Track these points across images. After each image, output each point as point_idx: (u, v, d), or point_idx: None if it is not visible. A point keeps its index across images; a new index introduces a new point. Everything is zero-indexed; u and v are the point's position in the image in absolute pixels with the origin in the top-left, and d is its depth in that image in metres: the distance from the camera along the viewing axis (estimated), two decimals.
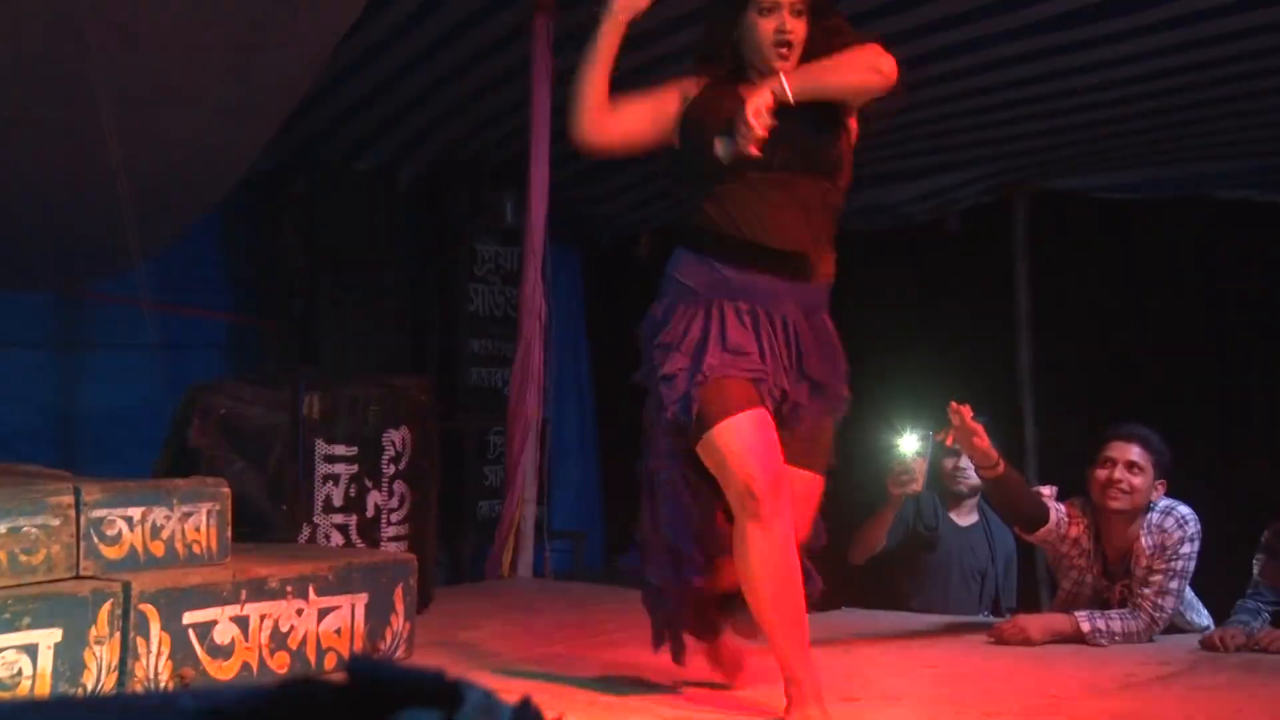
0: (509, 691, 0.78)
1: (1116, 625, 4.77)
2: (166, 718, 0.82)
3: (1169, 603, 4.82)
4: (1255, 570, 5.04)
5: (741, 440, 3.43)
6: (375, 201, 7.86)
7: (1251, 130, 7.36)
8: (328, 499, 4.94)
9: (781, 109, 3.46)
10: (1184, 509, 4.87)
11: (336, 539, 4.96)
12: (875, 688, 4.06)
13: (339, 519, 4.98)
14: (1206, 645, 4.75)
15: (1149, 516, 4.84)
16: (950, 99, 7.26)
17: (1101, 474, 4.85)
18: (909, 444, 5.45)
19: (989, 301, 8.15)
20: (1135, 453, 4.83)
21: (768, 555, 3.43)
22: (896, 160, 8.07)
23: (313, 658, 4.02)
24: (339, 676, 0.76)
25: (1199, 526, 4.86)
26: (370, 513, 5.14)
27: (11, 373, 6.84)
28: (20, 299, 6.80)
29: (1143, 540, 4.82)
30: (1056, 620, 4.87)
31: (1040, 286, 8.18)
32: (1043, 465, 7.55)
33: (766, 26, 3.55)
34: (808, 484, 3.67)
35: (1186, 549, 4.81)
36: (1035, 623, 4.84)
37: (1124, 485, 4.82)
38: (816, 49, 3.58)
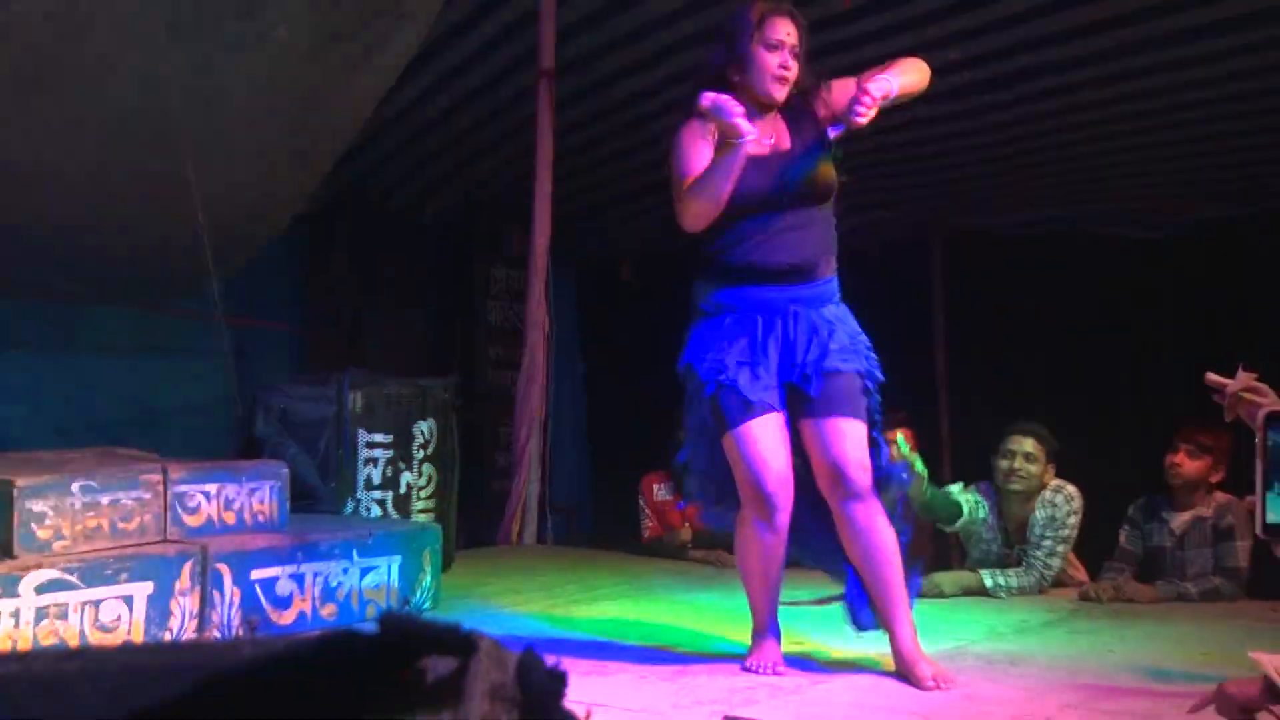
0: (516, 640, 0.77)
1: (1014, 581, 4.81)
2: (231, 661, 0.80)
3: (1055, 563, 4.91)
4: (1121, 538, 5.10)
5: (750, 446, 3.37)
6: (407, 234, 7.90)
7: (1112, 180, 7.44)
8: (368, 478, 4.93)
9: (777, 152, 3.44)
10: (1071, 488, 4.94)
11: (376, 511, 4.95)
12: (819, 631, 4.05)
13: (377, 495, 4.97)
14: (1084, 597, 4.80)
15: (1043, 494, 4.91)
16: (876, 151, 7.27)
17: (1003, 464, 4.96)
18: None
19: (911, 320, 8.18)
20: (1030, 445, 4.93)
21: (772, 545, 3.44)
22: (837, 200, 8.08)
23: (356, 608, 4.02)
24: (372, 627, 0.76)
25: (1082, 501, 4.92)
26: (403, 490, 5.13)
27: (108, 373, 6.83)
28: (117, 312, 6.79)
29: (1037, 513, 4.90)
30: (965, 576, 4.91)
31: (951, 307, 8.22)
32: (955, 455, 7.58)
33: (770, 60, 3.42)
34: (844, 429, 3.42)
35: (1073, 520, 4.90)
36: (948, 578, 4.87)
37: (1021, 472, 4.92)
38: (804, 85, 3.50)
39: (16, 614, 3.26)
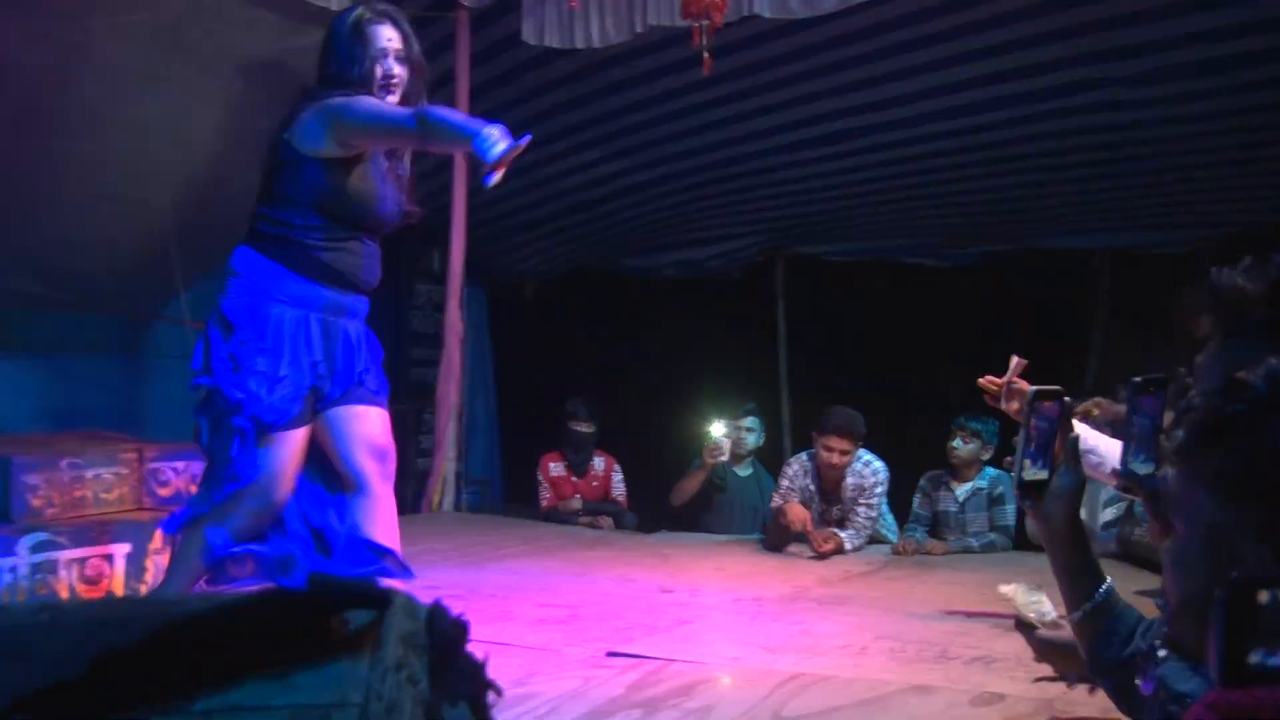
0: (432, 594, 0.75)
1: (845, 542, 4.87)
2: (180, 612, 0.77)
3: (870, 524, 4.97)
4: (915, 504, 5.21)
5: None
6: None
7: (920, 219, 7.64)
8: None
9: (398, 178, 2.95)
10: (878, 462, 5.02)
11: None
12: (682, 581, 4.07)
13: None
14: (895, 552, 4.88)
15: (853, 466, 4.98)
16: (733, 192, 7.35)
17: (824, 454, 4.97)
18: (717, 428, 5.48)
19: (760, 328, 8.28)
20: (845, 444, 4.96)
21: None
22: (699, 231, 8.14)
23: None
24: (301, 584, 0.73)
25: (887, 473, 5.01)
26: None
27: (98, 371, 6.65)
28: (105, 319, 6.61)
29: (847, 480, 4.97)
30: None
31: (791, 318, 8.34)
32: (794, 435, 7.68)
33: (376, 70, 2.87)
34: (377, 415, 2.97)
35: (879, 489, 4.98)
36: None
37: (837, 462, 4.94)
38: (413, 93, 2.98)
39: (15, 569, 3.24)
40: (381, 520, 2.91)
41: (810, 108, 6.02)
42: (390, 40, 2.90)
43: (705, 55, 4.71)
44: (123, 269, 6.03)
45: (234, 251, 2.87)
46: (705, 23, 4.66)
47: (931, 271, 8.06)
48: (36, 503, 3.37)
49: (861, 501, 4.96)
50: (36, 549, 3.28)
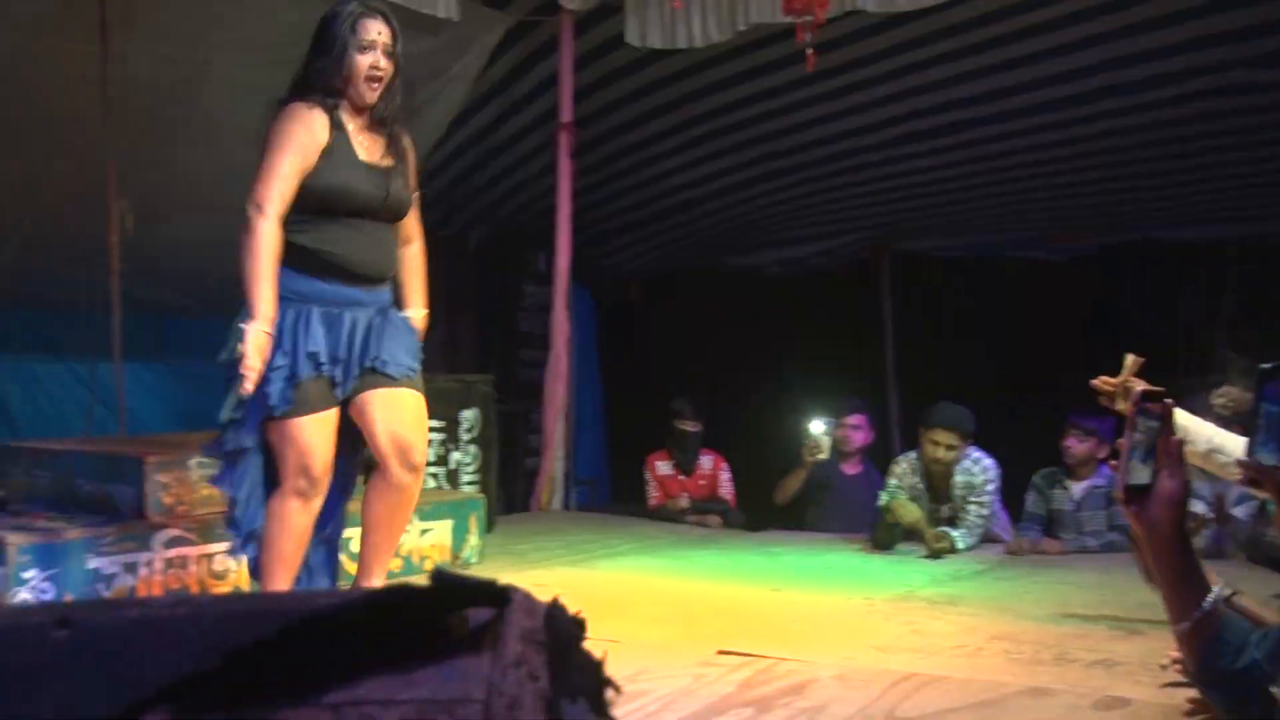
0: (545, 592, 0.76)
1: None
2: (310, 607, 0.80)
3: (982, 523, 4.87)
4: (1028, 502, 5.08)
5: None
6: (455, 257, 7.87)
7: (1027, 213, 7.47)
8: None
9: (387, 168, 2.96)
10: (988, 460, 4.93)
11: (431, 484, 4.94)
12: (792, 580, 4.05)
13: (432, 470, 4.95)
14: (1008, 551, 4.78)
15: (962, 464, 4.89)
16: (837, 188, 7.28)
17: (929, 449, 4.90)
18: (816, 426, 5.45)
19: (865, 325, 8.18)
20: (950, 438, 4.88)
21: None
22: (802, 228, 8.09)
23: (417, 562, 4.02)
24: (424, 580, 0.75)
25: (998, 470, 4.91)
26: (453, 466, 5.12)
27: (220, 373, 6.84)
28: (224, 322, 6.81)
29: (957, 479, 4.89)
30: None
31: (898, 314, 8.23)
32: (902, 433, 7.57)
33: (362, 62, 2.90)
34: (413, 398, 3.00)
35: (990, 487, 4.88)
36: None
37: (942, 456, 4.86)
38: (394, 89, 2.98)
39: (150, 564, 3.34)
40: (389, 503, 2.99)
41: (916, 101, 5.94)
42: (380, 34, 2.94)
43: (808, 52, 4.68)
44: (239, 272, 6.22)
45: None
46: (808, 19, 4.63)
47: (1043, 265, 7.87)
48: (168, 501, 3.49)
49: (972, 500, 4.87)
50: (169, 544, 3.40)
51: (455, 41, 5.33)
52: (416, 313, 3.21)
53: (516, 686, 0.66)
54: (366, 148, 2.97)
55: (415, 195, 3.13)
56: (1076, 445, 4.94)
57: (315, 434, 2.88)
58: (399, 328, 3.04)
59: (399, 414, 2.97)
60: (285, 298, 2.88)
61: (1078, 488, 4.98)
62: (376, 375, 2.94)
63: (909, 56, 5.56)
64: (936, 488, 4.99)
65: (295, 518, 2.90)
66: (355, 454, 3.15)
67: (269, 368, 2.83)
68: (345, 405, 2.95)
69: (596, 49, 5.93)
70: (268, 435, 2.92)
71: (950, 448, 4.87)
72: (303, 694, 0.74)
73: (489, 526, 4.72)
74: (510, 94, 6.29)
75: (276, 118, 2.92)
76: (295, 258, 2.90)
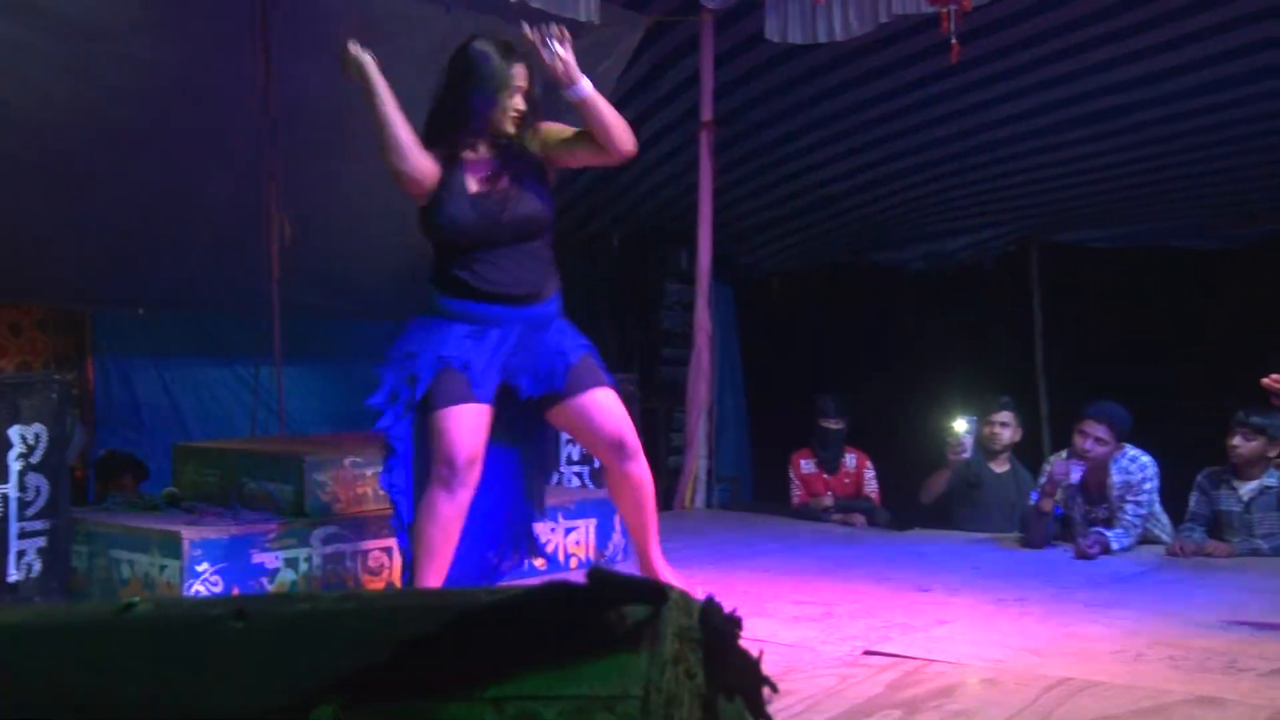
0: (695, 589, 0.77)
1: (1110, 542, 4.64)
2: (473, 604, 0.82)
3: (1139, 523, 4.70)
4: (1192, 502, 4.87)
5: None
6: (597, 255, 7.97)
7: (1190, 199, 7.14)
8: (569, 456, 4.98)
9: (502, 191, 3.06)
10: (1145, 457, 4.75)
11: (575, 483, 5.00)
12: (939, 580, 3.98)
13: (576, 469, 5.01)
14: (1170, 552, 4.60)
15: (1118, 462, 4.73)
16: (984, 180, 7.11)
17: (1078, 440, 4.75)
18: (960, 425, 5.35)
19: (1013, 320, 7.96)
20: (1101, 431, 4.72)
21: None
22: (948, 221, 7.92)
23: (561, 560, 4.08)
24: (579, 578, 0.76)
25: (1155, 469, 4.74)
26: (597, 464, 5.16)
27: (372, 374, 7.08)
28: (376, 325, 7.04)
29: (1114, 478, 4.72)
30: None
31: (1048, 308, 7.98)
32: (1053, 430, 7.34)
33: (509, 104, 3.06)
34: (605, 396, 3.16)
35: (1148, 485, 4.71)
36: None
37: (1093, 452, 4.71)
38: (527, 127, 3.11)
39: (310, 559, 3.47)
40: (628, 493, 3.19)
41: (1067, 88, 5.76)
42: (523, 80, 3.08)
43: (953, 42, 4.58)
44: (395, 278, 6.42)
45: None
46: (953, 7, 4.53)
47: (1206, 255, 7.51)
48: (325, 498, 3.63)
49: (1129, 499, 4.70)
50: (326, 541, 3.52)
51: (597, 44, 5.39)
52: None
53: (674, 684, 0.67)
54: (480, 177, 3.08)
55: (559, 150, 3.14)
56: (1244, 444, 4.71)
57: (458, 425, 2.98)
58: (557, 338, 3.15)
59: (594, 415, 3.13)
60: (429, 316, 3.10)
61: (1246, 488, 4.75)
62: (553, 392, 3.10)
63: (1060, 41, 5.40)
64: (1090, 488, 4.83)
65: (440, 507, 2.98)
66: (523, 446, 3.31)
67: (413, 359, 3.02)
68: (543, 416, 3.17)
69: (736, 46, 5.92)
70: (420, 432, 3.06)
71: (1100, 441, 4.72)
72: (465, 687, 0.76)
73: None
74: (651, 93, 6.33)
75: None
76: (443, 281, 3.11)
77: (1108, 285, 7.73)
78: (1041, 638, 3.06)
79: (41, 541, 3.27)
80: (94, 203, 5.33)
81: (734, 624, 0.71)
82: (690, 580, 3.16)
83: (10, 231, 5.34)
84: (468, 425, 3.00)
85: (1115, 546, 4.57)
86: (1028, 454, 5.92)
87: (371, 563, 3.60)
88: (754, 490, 8.47)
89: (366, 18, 4.81)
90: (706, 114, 5.97)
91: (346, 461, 3.68)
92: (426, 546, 3.00)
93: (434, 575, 3.01)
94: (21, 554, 3.22)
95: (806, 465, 6.26)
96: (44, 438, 3.27)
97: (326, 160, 5.38)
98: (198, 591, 3.23)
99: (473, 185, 3.08)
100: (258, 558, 3.38)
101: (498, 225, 3.06)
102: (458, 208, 3.06)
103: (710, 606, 0.71)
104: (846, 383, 6.64)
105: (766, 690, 0.72)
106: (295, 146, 5.05)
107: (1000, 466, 5.66)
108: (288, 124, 4.86)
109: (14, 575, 3.19)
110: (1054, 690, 2.48)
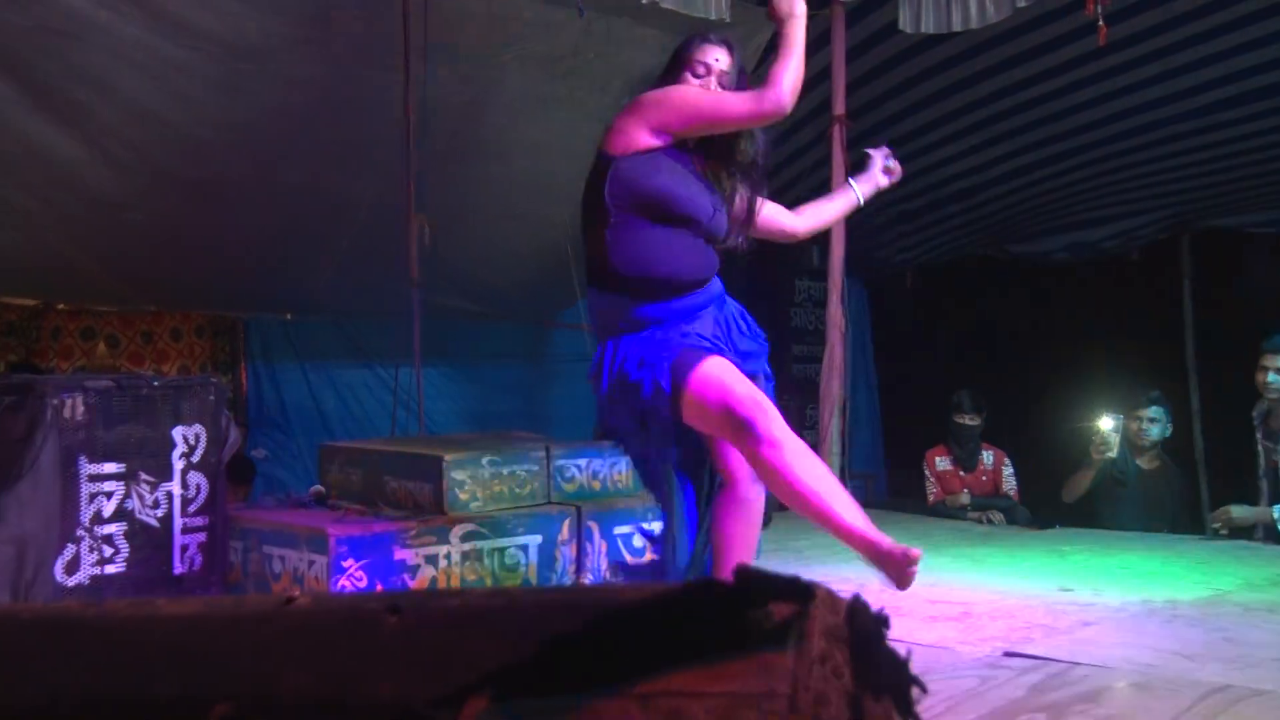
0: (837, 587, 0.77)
1: None
2: (617, 601, 0.83)
3: None
4: None
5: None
6: (726, 253, 7.96)
7: None
8: None
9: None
10: None
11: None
12: (1083, 580, 3.86)
13: None
14: None
15: None
16: (1131, 166, 6.87)
17: (1260, 376, 4.61)
18: (1105, 422, 5.20)
19: (1162, 312, 7.65)
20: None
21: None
22: (1093, 211, 7.68)
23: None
24: (727, 577, 0.77)
25: None
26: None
27: (506, 376, 7.23)
28: (511, 327, 7.19)
29: None
30: (1260, 511, 4.66)
31: (1200, 298, 7.65)
32: (1205, 426, 7.04)
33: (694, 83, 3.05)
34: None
35: None
36: (1240, 509, 4.69)
37: (1276, 383, 4.53)
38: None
39: (449, 556, 3.56)
40: (740, 521, 3.16)
41: (1223, 65, 5.51)
42: (718, 61, 3.08)
43: (1100, 24, 4.43)
44: (528, 281, 6.54)
45: None
46: None
47: None
48: (463, 497, 3.72)
49: None
50: (465, 538, 3.61)
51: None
52: None
53: (822, 682, 0.67)
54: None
55: None
56: None
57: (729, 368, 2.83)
58: (729, 324, 3.22)
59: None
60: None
61: None
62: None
63: (1215, 17, 5.17)
64: (1276, 425, 4.64)
65: (787, 439, 2.69)
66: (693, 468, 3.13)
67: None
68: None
69: (868, 39, 5.84)
70: (688, 421, 2.83)
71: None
72: (613, 683, 0.77)
73: (766, 521, 4.72)
74: None
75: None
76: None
77: (1264, 272, 7.38)
78: (1195, 642, 2.95)
79: (202, 537, 3.43)
80: (245, 214, 5.56)
81: (882, 623, 0.71)
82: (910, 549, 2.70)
83: (171, 244, 5.61)
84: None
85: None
86: (1180, 450, 5.72)
87: (508, 560, 3.67)
88: (888, 488, 8.37)
89: (504, 24, 4.92)
90: (839, 108, 5.91)
91: (484, 461, 3.77)
92: (814, 482, 2.72)
93: (843, 505, 2.74)
94: (185, 548, 3.39)
95: (942, 462, 6.17)
96: (203, 438, 3.42)
97: (464, 163, 5.50)
98: (343, 586, 3.35)
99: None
100: (399, 554, 3.48)
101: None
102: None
103: (858, 604, 0.71)
104: (983, 378, 6.50)
105: (915, 690, 0.72)
106: (434, 151, 5.18)
107: (1149, 463, 5.48)
108: (425, 129, 4.99)
109: (179, 568, 3.36)
110: (1211, 698, 2.38)
